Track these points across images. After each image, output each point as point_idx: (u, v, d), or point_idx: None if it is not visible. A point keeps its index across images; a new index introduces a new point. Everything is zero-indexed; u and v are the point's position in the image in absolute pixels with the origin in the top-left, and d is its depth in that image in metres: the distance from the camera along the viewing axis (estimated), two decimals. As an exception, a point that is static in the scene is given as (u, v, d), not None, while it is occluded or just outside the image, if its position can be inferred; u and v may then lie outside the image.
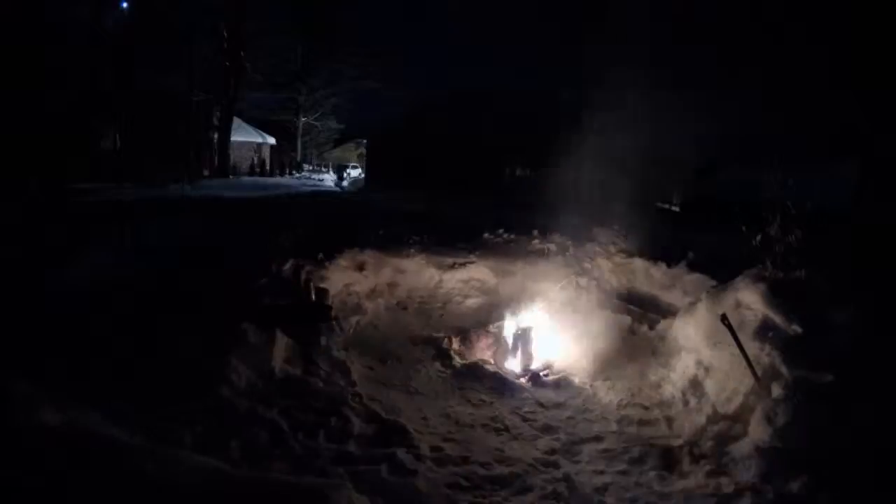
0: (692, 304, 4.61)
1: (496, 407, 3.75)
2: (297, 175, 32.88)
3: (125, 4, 18.20)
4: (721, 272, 5.28)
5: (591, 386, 4.21)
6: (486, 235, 7.09)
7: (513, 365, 4.61)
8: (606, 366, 4.56)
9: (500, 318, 5.13)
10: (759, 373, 3.32)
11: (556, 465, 3.03)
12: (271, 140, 33.20)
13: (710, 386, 3.69)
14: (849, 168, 9.78)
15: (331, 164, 37.39)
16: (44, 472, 1.67)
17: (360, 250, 5.79)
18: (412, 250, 6.12)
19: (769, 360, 3.33)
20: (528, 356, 4.64)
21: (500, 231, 7.48)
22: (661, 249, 6.36)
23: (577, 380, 4.28)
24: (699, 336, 4.06)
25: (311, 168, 36.88)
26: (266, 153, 32.65)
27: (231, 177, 25.89)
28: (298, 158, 35.57)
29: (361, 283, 5.51)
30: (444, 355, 4.57)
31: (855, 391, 3.01)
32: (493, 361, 4.61)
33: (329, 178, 31.79)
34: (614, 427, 3.55)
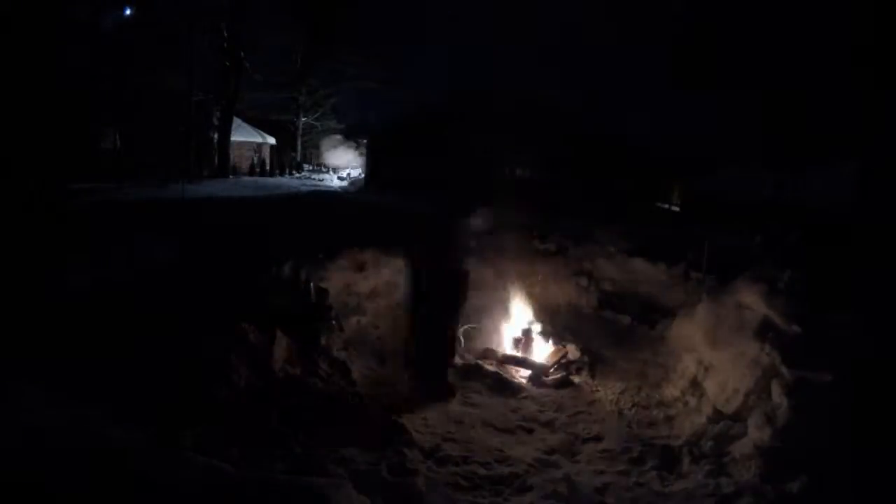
0: (692, 305, 4.61)
1: (496, 407, 3.75)
2: (298, 175, 32.85)
3: (128, 11, 18.22)
4: (721, 272, 5.28)
5: (591, 386, 4.21)
6: (486, 235, 7.08)
7: (513, 365, 4.61)
8: (607, 366, 4.56)
9: (501, 318, 5.12)
10: (759, 373, 3.33)
11: (556, 465, 3.03)
12: (271, 140, 33.18)
13: (710, 386, 3.69)
14: (849, 168, 9.78)
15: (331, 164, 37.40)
16: (44, 472, 1.67)
17: (360, 250, 5.78)
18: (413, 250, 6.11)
19: (769, 360, 3.33)
20: (528, 356, 4.64)
21: (500, 231, 7.47)
22: (661, 249, 6.35)
23: (577, 380, 4.28)
24: (699, 336, 4.06)
25: (311, 168, 36.86)
26: (266, 153, 32.63)
27: (231, 177, 25.86)
28: (298, 158, 35.55)
29: (361, 283, 5.50)
30: (444, 355, 4.56)
31: (855, 391, 3.01)
32: (493, 361, 4.61)
33: (329, 178, 31.76)
34: (614, 427, 3.55)
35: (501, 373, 4.31)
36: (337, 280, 5.26)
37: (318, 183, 28.62)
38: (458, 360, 4.48)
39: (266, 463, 2.72)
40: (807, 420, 2.94)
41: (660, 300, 5.82)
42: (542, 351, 4.72)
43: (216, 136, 25.93)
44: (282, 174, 32.67)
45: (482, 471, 2.89)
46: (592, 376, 4.37)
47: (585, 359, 4.64)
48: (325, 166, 38.49)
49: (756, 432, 3.03)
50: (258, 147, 32.79)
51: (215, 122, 25.84)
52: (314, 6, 30.33)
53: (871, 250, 5.60)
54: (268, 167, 31.84)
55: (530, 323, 4.92)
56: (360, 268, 5.59)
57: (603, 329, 5.52)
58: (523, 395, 3.97)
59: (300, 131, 36.02)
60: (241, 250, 6.34)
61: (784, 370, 3.20)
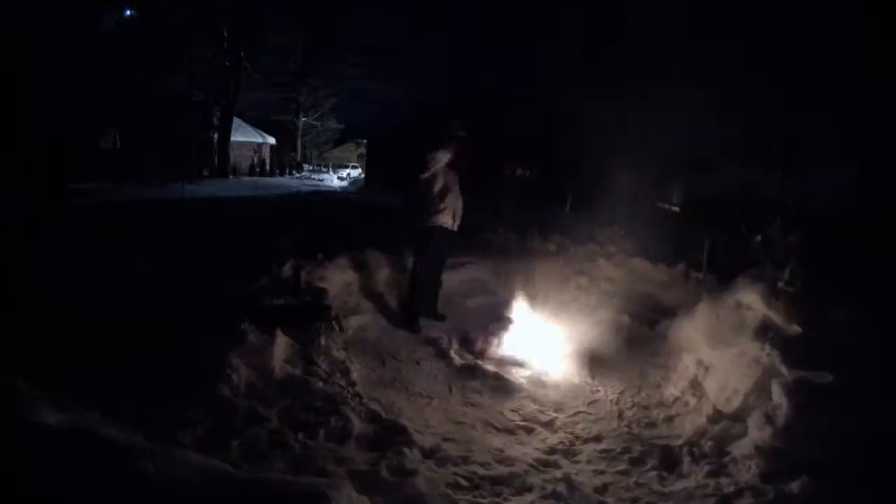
0: (692, 305, 4.61)
1: (496, 407, 3.75)
2: (298, 175, 32.91)
3: (128, 11, 18.25)
4: (721, 272, 5.29)
5: (591, 386, 4.21)
6: (485, 235, 7.09)
7: (513, 365, 4.60)
8: (607, 366, 4.56)
9: (501, 318, 5.12)
10: (759, 373, 3.33)
11: (556, 465, 3.03)
12: (271, 140, 33.23)
13: (710, 386, 3.69)
14: (849, 168, 9.77)
15: (331, 164, 37.46)
16: (44, 472, 1.67)
17: (360, 250, 5.79)
18: (412, 250, 6.11)
19: (769, 360, 3.33)
20: (528, 356, 4.64)
21: (500, 231, 7.48)
22: (661, 249, 6.36)
23: (577, 380, 4.28)
24: (699, 336, 4.06)
25: (311, 168, 36.90)
26: (266, 153, 32.68)
27: (231, 177, 25.90)
28: (298, 158, 35.59)
29: (361, 283, 5.51)
30: (444, 355, 4.56)
31: (855, 391, 3.01)
32: (493, 361, 4.60)
33: (329, 178, 31.80)
34: (614, 427, 3.55)
35: (501, 373, 4.31)
36: (337, 280, 5.26)
37: (318, 183, 28.63)
38: (457, 361, 4.48)
39: (266, 463, 2.72)
40: (807, 420, 2.94)
41: (660, 300, 5.83)
42: (543, 351, 4.71)
43: (216, 136, 25.94)
44: (282, 174, 32.68)
45: (482, 471, 2.89)
46: (592, 376, 4.36)
47: (585, 359, 4.64)
48: (324, 166, 38.45)
49: (756, 432, 3.03)
50: (258, 147, 32.80)
51: (215, 122, 25.86)
52: (314, 6, 30.34)
53: (872, 250, 5.61)
54: (268, 167, 31.86)
55: (530, 323, 4.92)
56: (360, 268, 5.60)
57: (603, 329, 5.52)
58: (523, 395, 3.97)
59: (300, 131, 36.03)
60: (242, 250, 6.34)
61: (784, 370, 3.21)
